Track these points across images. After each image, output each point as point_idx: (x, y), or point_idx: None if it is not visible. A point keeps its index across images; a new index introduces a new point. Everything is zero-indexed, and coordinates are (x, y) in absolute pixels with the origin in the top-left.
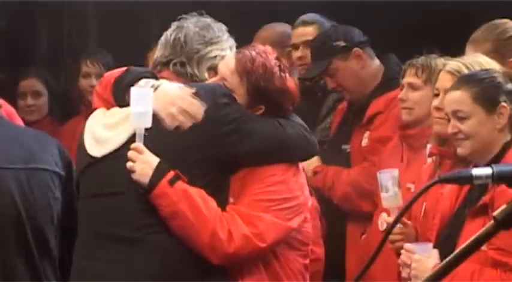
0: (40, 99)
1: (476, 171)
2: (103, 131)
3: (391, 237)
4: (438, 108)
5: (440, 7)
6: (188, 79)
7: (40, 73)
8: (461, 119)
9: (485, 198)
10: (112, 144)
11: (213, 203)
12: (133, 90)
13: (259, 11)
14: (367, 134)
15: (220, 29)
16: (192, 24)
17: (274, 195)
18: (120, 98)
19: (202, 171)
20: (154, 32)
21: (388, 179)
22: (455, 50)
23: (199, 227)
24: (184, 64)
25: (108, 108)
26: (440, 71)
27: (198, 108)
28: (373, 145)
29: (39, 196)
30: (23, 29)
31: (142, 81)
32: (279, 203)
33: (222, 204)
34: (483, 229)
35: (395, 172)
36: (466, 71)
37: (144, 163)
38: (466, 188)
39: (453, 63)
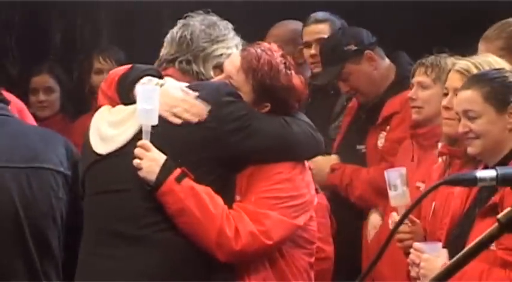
0: (52, 95)
1: (480, 174)
2: (108, 129)
3: (400, 236)
4: (447, 108)
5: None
6: (194, 77)
7: (52, 69)
8: (471, 119)
9: (495, 198)
10: (117, 141)
11: (219, 200)
12: (140, 87)
13: (271, 9)
14: (383, 134)
15: (226, 27)
16: (198, 22)
17: (281, 193)
18: (124, 95)
19: (208, 169)
20: (167, 29)
21: (396, 177)
22: (464, 49)
23: (206, 224)
24: (190, 62)
25: (113, 106)
26: (450, 70)
27: (200, 110)
28: (391, 145)
29: (39, 195)
30: (36, 25)
31: (145, 79)
32: (286, 200)
33: (229, 201)
34: (487, 231)
35: (403, 170)
36: (475, 71)
37: (151, 160)
38: (476, 187)
39: (462, 63)
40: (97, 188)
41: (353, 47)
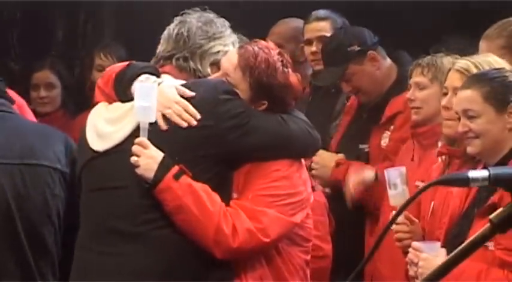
0: (53, 91)
1: (472, 174)
2: (105, 126)
3: (398, 235)
4: (447, 108)
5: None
6: (191, 74)
7: (54, 65)
8: (471, 118)
9: (494, 198)
10: (114, 138)
11: (217, 197)
12: (138, 84)
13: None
14: (386, 133)
15: (222, 25)
16: (195, 19)
17: (278, 190)
18: (121, 92)
19: (206, 167)
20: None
21: (396, 176)
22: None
23: (204, 222)
24: (187, 59)
25: (110, 103)
26: (448, 69)
27: (192, 115)
28: (395, 145)
29: (33, 192)
30: (38, 21)
31: (143, 77)
32: (283, 198)
33: (226, 199)
34: (479, 231)
35: (403, 169)
36: (475, 70)
37: (148, 158)
38: (475, 187)
39: (462, 62)
40: (94, 185)
41: (356, 48)
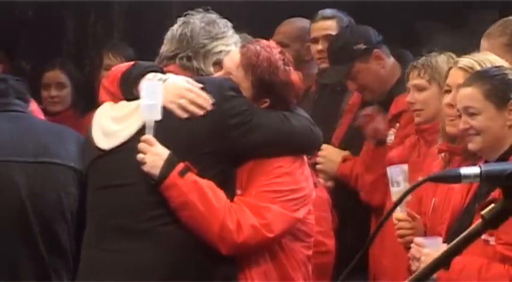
0: (63, 91)
1: (464, 171)
2: (111, 124)
3: (400, 231)
4: (450, 105)
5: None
6: (194, 73)
7: (64, 65)
8: (472, 115)
9: (495, 194)
10: (120, 137)
11: (222, 194)
12: (144, 83)
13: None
14: (392, 131)
15: (225, 25)
16: (198, 19)
17: (281, 186)
18: (127, 91)
19: (210, 164)
20: None
21: (398, 173)
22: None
23: (209, 218)
24: (190, 58)
25: (116, 102)
26: (449, 68)
27: (205, 100)
28: (401, 142)
29: (47, 190)
30: (50, 21)
31: (150, 75)
32: (286, 194)
33: (230, 195)
34: (472, 227)
35: (405, 167)
36: (478, 68)
37: (154, 155)
38: (476, 182)
39: (466, 60)
40: (100, 183)
41: (362, 46)
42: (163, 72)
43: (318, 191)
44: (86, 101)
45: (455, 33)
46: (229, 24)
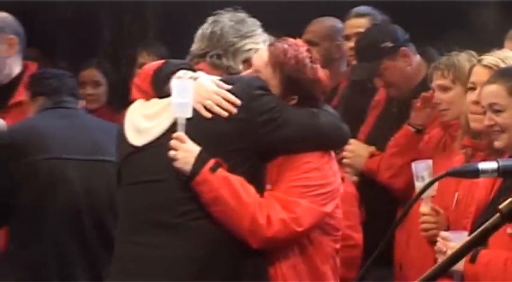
0: (99, 89)
1: (482, 166)
2: (144, 121)
3: (424, 226)
4: (476, 102)
5: None
6: (224, 71)
7: (100, 64)
8: (497, 112)
9: None
10: (152, 133)
11: (252, 189)
12: (175, 81)
13: (310, 6)
14: None
15: (254, 24)
16: (227, 18)
17: (310, 181)
18: (159, 89)
19: (240, 160)
20: None
21: (423, 169)
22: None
23: (240, 212)
24: (220, 56)
25: (147, 99)
26: (471, 66)
27: (231, 104)
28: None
29: (100, 187)
30: (87, 21)
31: (181, 73)
32: (315, 189)
33: (259, 190)
34: (489, 221)
35: (430, 162)
36: (502, 65)
37: (186, 151)
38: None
39: (490, 58)
40: (133, 179)
41: (389, 44)
42: (194, 70)
43: (345, 186)
44: (121, 99)
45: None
46: (258, 22)
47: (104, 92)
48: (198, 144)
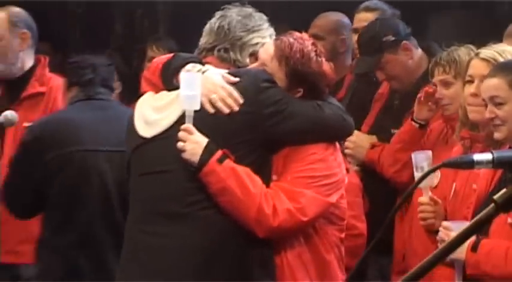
0: None
1: (477, 157)
2: (153, 113)
3: (423, 215)
4: (475, 95)
5: None
6: (231, 64)
7: (111, 58)
8: (498, 105)
9: None
10: (161, 125)
11: (258, 180)
12: (184, 74)
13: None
14: None
15: (261, 18)
16: (235, 13)
17: (315, 172)
18: (168, 81)
19: (247, 151)
20: None
21: (423, 159)
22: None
23: (246, 203)
24: (227, 50)
25: (156, 92)
26: (469, 60)
27: (235, 101)
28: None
29: None
30: (99, 15)
31: (190, 66)
32: (320, 179)
33: (266, 181)
34: (484, 211)
35: (430, 153)
36: (500, 59)
37: (194, 143)
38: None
39: (487, 51)
40: (143, 170)
41: (391, 38)
42: (202, 64)
43: (350, 177)
44: (133, 93)
45: None
46: (265, 17)
47: (115, 85)
48: (206, 135)
